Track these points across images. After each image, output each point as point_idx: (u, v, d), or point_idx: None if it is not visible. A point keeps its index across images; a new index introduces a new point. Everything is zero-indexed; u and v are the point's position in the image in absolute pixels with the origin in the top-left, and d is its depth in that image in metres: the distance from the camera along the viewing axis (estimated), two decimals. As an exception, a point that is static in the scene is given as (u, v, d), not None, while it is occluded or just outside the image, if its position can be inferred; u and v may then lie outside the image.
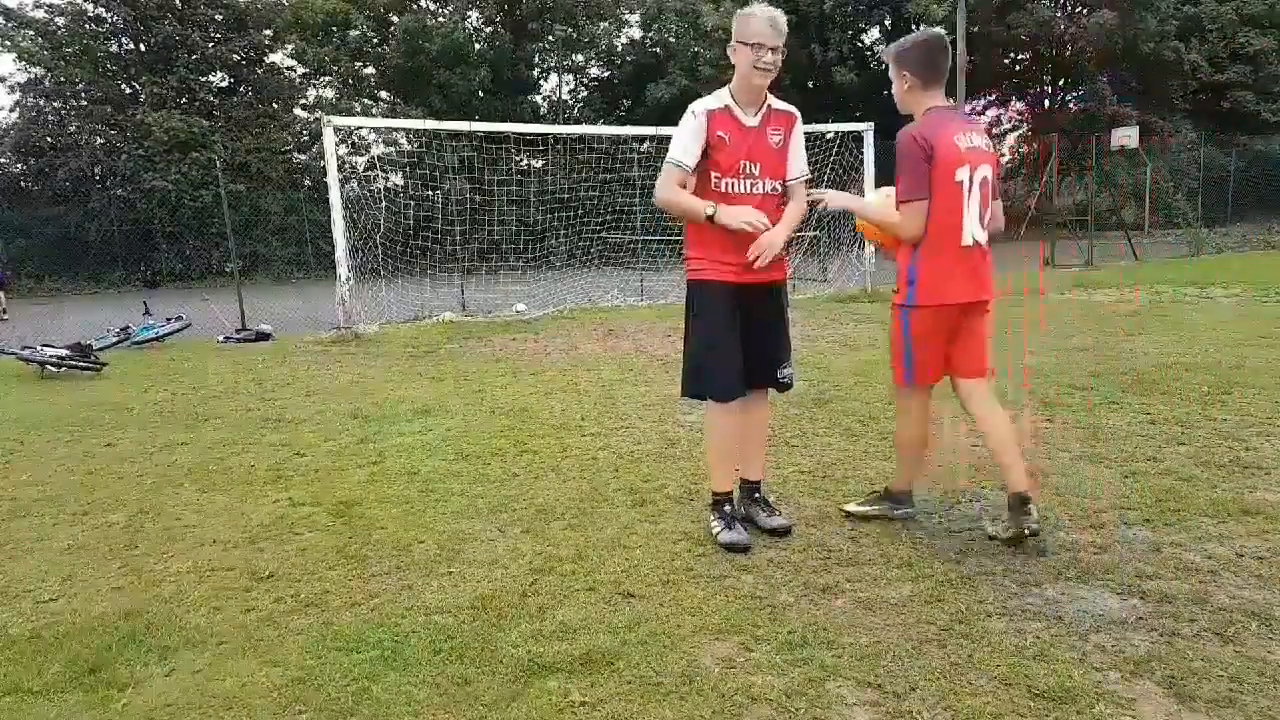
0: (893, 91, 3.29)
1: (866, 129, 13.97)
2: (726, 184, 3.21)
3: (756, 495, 3.53)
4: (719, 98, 3.24)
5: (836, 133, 14.71)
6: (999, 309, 3.51)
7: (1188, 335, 7.72)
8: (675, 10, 31.63)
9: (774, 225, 3.19)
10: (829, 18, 31.64)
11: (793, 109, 3.35)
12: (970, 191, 3.13)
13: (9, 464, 5.04)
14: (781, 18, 3.18)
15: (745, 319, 3.28)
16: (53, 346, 8.81)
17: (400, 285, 13.03)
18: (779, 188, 3.30)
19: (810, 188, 3.42)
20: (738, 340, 3.26)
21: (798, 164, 3.33)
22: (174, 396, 7.13)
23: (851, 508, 3.56)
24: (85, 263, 24.81)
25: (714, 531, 3.34)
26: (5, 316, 16.14)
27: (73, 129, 26.53)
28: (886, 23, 35.23)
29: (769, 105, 3.27)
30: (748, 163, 3.21)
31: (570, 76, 35.17)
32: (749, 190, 3.23)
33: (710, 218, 3.13)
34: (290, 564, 3.28)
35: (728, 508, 3.39)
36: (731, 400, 3.29)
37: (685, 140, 3.18)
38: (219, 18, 28.30)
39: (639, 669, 2.40)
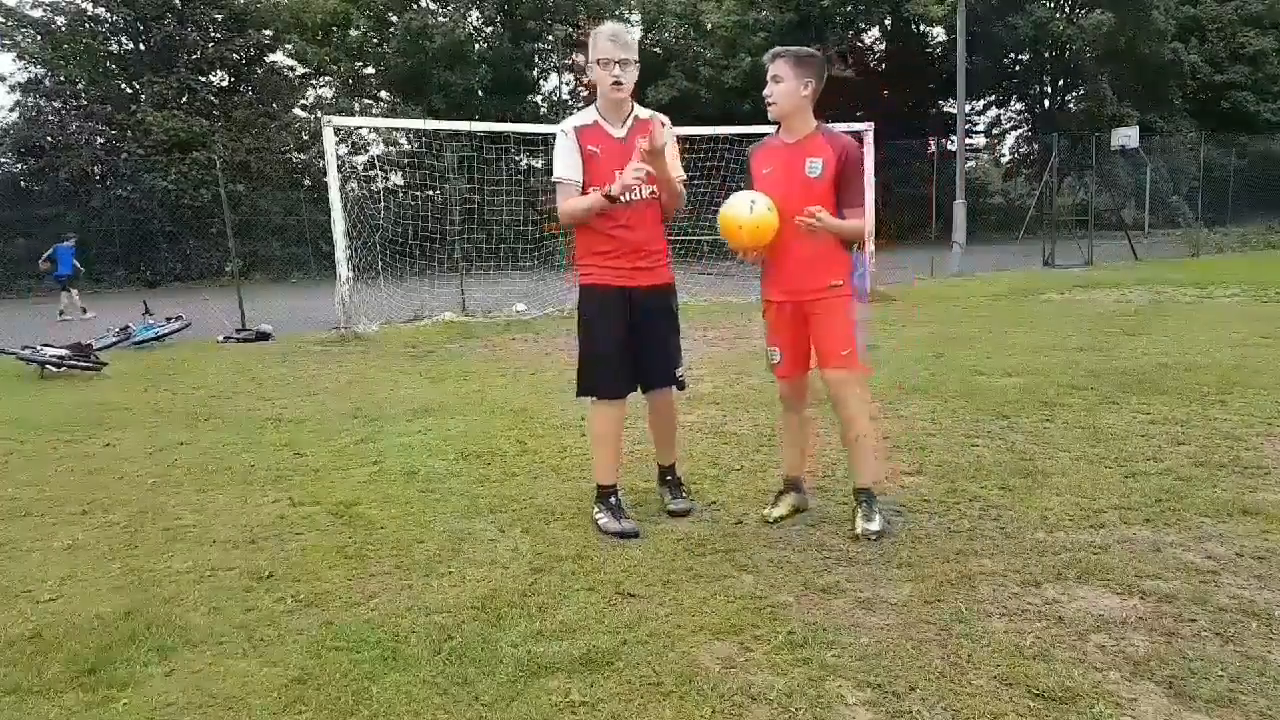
0: (779, 92, 3.26)
1: (867, 129, 13.94)
2: None
3: (669, 479, 3.77)
4: (587, 115, 3.44)
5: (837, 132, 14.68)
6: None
7: (1188, 335, 7.72)
8: (675, 12, 31.64)
9: (655, 227, 3.46)
10: (829, 16, 31.63)
11: (656, 114, 3.45)
12: None
13: (9, 464, 5.04)
14: (625, 31, 3.41)
15: (637, 322, 3.44)
16: (53, 346, 8.81)
17: (400, 285, 13.02)
18: (656, 192, 3.41)
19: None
20: (623, 343, 3.44)
21: (673, 168, 3.42)
22: (174, 396, 7.13)
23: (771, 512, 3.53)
24: (85, 263, 24.75)
25: (600, 523, 3.47)
26: (88, 315, 15.60)
27: (73, 129, 26.41)
28: (886, 22, 35.27)
29: (635, 115, 3.43)
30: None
31: (570, 76, 35.15)
32: (628, 198, 3.35)
33: (609, 197, 3.27)
34: (290, 564, 3.28)
35: (613, 499, 3.54)
36: (615, 399, 3.51)
37: (563, 158, 3.38)
38: (219, 18, 28.23)
39: (639, 669, 2.39)
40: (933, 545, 3.19)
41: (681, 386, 3.68)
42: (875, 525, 3.28)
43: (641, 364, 3.53)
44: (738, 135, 14.20)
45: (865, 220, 3.42)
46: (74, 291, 16.62)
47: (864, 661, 2.39)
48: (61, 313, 16.05)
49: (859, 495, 3.38)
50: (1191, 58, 31.94)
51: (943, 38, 35.03)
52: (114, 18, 27.31)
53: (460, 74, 29.16)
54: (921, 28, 35.51)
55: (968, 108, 31.52)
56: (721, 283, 14.67)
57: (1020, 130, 39.60)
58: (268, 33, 29.47)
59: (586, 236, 3.44)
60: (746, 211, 3.22)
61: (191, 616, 2.86)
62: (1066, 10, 33.92)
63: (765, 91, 3.30)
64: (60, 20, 26.76)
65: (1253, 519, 3.29)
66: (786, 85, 3.25)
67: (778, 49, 3.32)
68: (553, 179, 3.43)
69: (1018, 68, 36.98)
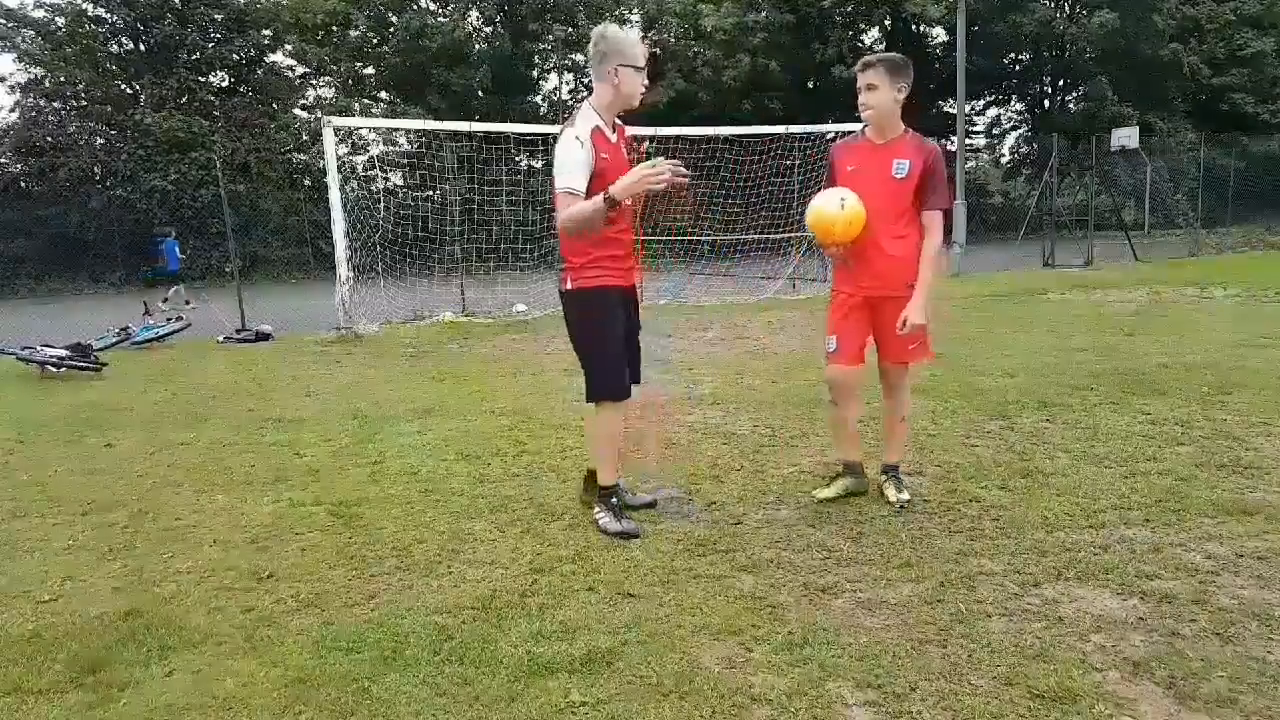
0: (876, 99, 3.37)
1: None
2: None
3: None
4: (589, 119, 3.29)
5: (837, 132, 14.71)
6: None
7: (1188, 335, 7.72)
8: (675, 12, 31.62)
9: (633, 230, 3.48)
10: (829, 17, 31.62)
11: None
12: None
13: (9, 464, 5.04)
14: None
15: (628, 321, 3.53)
16: (53, 346, 8.80)
17: (400, 285, 13.02)
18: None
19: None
20: (627, 342, 3.53)
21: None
22: (174, 396, 7.13)
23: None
24: (85, 263, 24.76)
25: (601, 523, 3.49)
26: (191, 305, 15.50)
27: (73, 129, 26.42)
28: (886, 22, 35.25)
29: (616, 120, 3.43)
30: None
31: (570, 76, 35.13)
32: (629, 203, 3.35)
33: (609, 199, 3.12)
34: (290, 564, 3.28)
35: (614, 499, 3.55)
36: (626, 399, 3.55)
37: (575, 169, 3.22)
38: (219, 18, 28.23)
39: (639, 669, 2.40)
40: (933, 545, 3.19)
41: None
42: (906, 495, 3.65)
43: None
44: (736, 135, 14.25)
45: (940, 222, 3.55)
46: (180, 286, 16.65)
47: (864, 662, 2.39)
48: (165, 300, 16.00)
49: (890, 470, 3.74)
50: (1191, 59, 31.93)
51: (943, 38, 35.02)
52: (114, 18, 27.31)
53: (460, 74, 29.16)
54: (921, 28, 35.49)
55: (968, 108, 31.55)
56: (721, 283, 14.68)
57: (1020, 130, 39.60)
58: (267, 33, 29.46)
59: (595, 239, 3.33)
60: (839, 208, 3.33)
61: (191, 616, 2.86)
62: (1067, 9, 33.90)
63: (860, 100, 3.42)
64: (60, 21, 26.76)
65: (1253, 519, 3.29)
66: (882, 92, 3.37)
67: (870, 58, 3.47)
68: (560, 188, 3.23)
69: (1018, 68, 36.98)
